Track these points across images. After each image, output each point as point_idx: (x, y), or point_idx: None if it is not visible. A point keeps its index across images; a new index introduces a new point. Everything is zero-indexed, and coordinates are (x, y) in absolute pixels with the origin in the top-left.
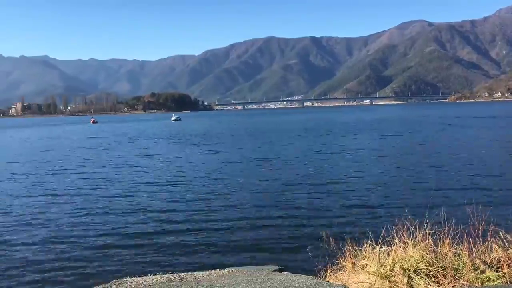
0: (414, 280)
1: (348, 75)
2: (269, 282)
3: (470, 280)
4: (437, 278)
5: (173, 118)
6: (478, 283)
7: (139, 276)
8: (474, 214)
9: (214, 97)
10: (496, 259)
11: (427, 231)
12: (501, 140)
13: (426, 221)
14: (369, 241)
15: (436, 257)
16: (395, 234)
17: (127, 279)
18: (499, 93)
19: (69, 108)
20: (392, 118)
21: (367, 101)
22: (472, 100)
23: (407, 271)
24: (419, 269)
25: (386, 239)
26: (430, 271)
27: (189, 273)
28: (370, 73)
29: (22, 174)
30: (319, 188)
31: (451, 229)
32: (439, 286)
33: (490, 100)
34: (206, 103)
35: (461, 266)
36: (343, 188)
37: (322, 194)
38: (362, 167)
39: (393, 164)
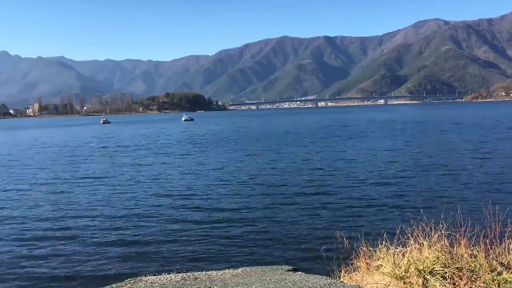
0: (429, 282)
1: (363, 75)
2: (282, 282)
3: (487, 281)
4: (453, 279)
5: (184, 119)
6: (495, 285)
7: (153, 275)
8: (491, 215)
9: (228, 97)
10: None
11: (442, 232)
12: None
13: (441, 221)
14: (383, 242)
15: (452, 258)
16: (410, 235)
17: (142, 277)
18: None
19: (85, 108)
20: (409, 119)
21: (382, 101)
22: (489, 100)
23: (422, 272)
24: (434, 270)
25: (401, 239)
26: (446, 273)
27: (203, 272)
28: (385, 73)
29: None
30: (333, 188)
31: (467, 230)
32: (455, 287)
33: (507, 99)
34: (220, 103)
35: (477, 267)
36: (357, 188)
37: (336, 195)
38: (377, 167)
39: (408, 164)
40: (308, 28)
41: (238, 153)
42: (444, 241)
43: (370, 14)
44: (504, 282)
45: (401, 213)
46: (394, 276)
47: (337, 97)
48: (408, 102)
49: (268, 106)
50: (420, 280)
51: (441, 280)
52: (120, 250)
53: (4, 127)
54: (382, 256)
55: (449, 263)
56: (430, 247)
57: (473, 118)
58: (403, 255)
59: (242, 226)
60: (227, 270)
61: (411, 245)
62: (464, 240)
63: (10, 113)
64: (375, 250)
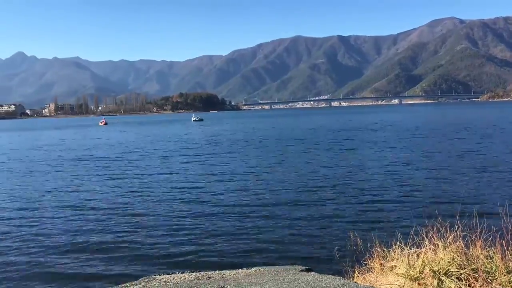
0: (444, 283)
1: (377, 74)
2: (296, 282)
3: (503, 283)
4: (468, 281)
5: (193, 119)
6: (511, 287)
7: (167, 274)
8: (507, 216)
9: (241, 97)
10: None
11: (458, 233)
12: None
13: (457, 222)
14: (397, 242)
15: (468, 259)
16: (424, 236)
17: (156, 276)
18: None
19: (100, 108)
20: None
21: (396, 101)
22: (506, 99)
23: (437, 273)
24: (449, 271)
25: (416, 240)
26: (461, 274)
27: (217, 271)
28: (399, 72)
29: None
30: (347, 188)
31: (483, 231)
32: None
33: None
34: (233, 103)
35: (493, 269)
36: (372, 188)
37: (350, 195)
38: (392, 167)
39: (423, 165)
40: (322, 28)
41: (256, 159)
42: (460, 242)
43: (384, 13)
44: None
45: (416, 214)
46: (409, 277)
47: (350, 96)
48: (422, 101)
49: (282, 106)
50: (435, 282)
51: (456, 282)
52: (134, 249)
53: (20, 128)
54: (396, 256)
55: (464, 264)
56: (445, 248)
57: (495, 120)
58: (417, 256)
59: (255, 225)
60: (240, 270)
61: (426, 246)
62: (480, 241)
63: (27, 113)
64: (389, 251)
